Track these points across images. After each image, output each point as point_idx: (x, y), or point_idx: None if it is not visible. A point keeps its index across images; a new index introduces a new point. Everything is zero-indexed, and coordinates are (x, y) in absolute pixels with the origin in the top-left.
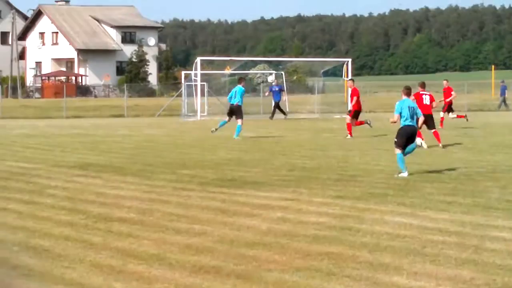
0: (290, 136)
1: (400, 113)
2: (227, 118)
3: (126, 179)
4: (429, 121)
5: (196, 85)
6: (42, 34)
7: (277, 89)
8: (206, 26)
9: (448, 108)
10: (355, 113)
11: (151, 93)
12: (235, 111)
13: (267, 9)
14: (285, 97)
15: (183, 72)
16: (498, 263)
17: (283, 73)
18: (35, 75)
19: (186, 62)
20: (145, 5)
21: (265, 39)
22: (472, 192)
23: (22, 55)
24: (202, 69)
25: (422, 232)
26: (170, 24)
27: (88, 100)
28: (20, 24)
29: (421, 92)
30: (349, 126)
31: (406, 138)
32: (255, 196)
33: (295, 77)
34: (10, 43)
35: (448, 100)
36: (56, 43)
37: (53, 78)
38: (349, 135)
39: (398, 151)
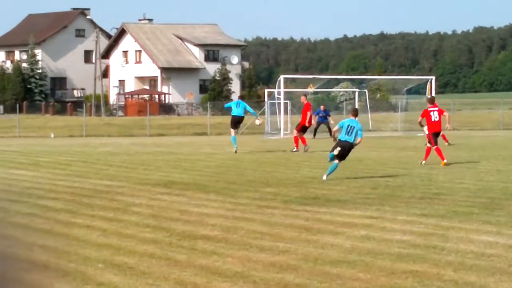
0: (373, 154)
1: (341, 127)
2: (233, 132)
3: (209, 197)
4: (434, 138)
5: (279, 103)
6: (125, 52)
7: (323, 114)
8: (289, 44)
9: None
10: (302, 128)
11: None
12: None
13: (350, 27)
14: (332, 122)
15: (266, 90)
16: None
17: (366, 91)
18: (119, 93)
19: (269, 80)
20: (228, 23)
21: (348, 57)
22: None
23: (105, 74)
24: (285, 87)
25: (509, 250)
26: (253, 42)
27: (171, 118)
28: (104, 43)
29: (429, 109)
30: (296, 140)
31: (341, 148)
32: (338, 214)
33: (378, 95)
34: (93, 61)
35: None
36: (140, 62)
37: (136, 96)
38: (295, 148)
39: (331, 152)
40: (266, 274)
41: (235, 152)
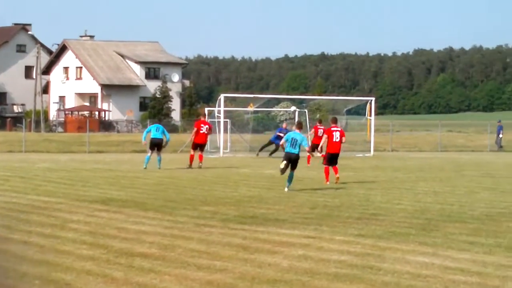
0: (312, 174)
1: (287, 140)
2: (149, 153)
3: (147, 215)
4: (334, 160)
5: (219, 122)
6: (66, 68)
7: (284, 132)
8: (230, 63)
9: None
10: (196, 145)
11: (174, 129)
12: (159, 145)
13: (291, 47)
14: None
15: (206, 109)
16: None
17: (306, 111)
18: (59, 110)
19: (210, 99)
20: (170, 42)
21: (289, 76)
22: (494, 233)
23: (46, 89)
24: (225, 106)
25: (444, 272)
26: (194, 61)
27: (110, 135)
28: (45, 59)
29: (332, 129)
30: (191, 157)
31: (287, 159)
32: (276, 233)
33: (318, 115)
34: (34, 77)
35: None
36: (80, 78)
37: (76, 112)
38: (189, 164)
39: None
40: None
41: (144, 168)
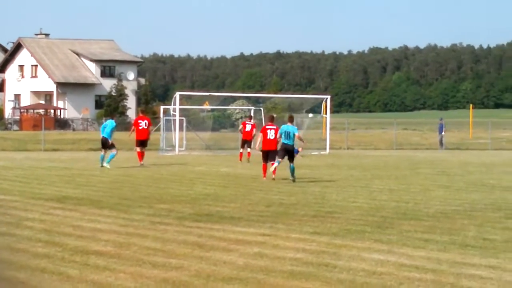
0: (268, 172)
1: (281, 134)
2: (103, 151)
3: (103, 213)
4: (270, 156)
5: (174, 120)
6: (21, 66)
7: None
8: (185, 61)
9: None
10: (137, 142)
11: (129, 127)
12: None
13: (247, 45)
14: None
15: (161, 107)
16: None
17: (261, 109)
18: (14, 108)
19: (165, 97)
20: (125, 40)
21: (244, 75)
22: (449, 230)
23: (1, 87)
24: (181, 104)
25: (399, 269)
26: (150, 59)
27: (66, 133)
28: (0, 57)
29: (267, 127)
30: (139, 155)
31: (283, 151)
32: (232, 231)
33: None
34: None
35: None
36: (35, 76)
37: (31, 110)
38: (139, 162)
39: (277, 160)
40: None
41: (101, 166)
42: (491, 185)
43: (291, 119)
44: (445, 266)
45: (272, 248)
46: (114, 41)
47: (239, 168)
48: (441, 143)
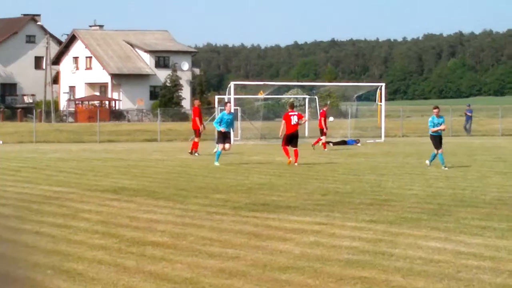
0: (324, 160)
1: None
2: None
3: (159, 203)
4: (293, 140)
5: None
6: (76, 58)
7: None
8: (239, 51)
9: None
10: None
11: (184, 117)
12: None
13: (301, 34)
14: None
15: (216, 97)
16: None
17: (316, 97)
18: (69, 100)
19: (220, 87)
20: (179, 30)
21: (299, 63)
22: (507, 217)
23: (56, 80)
24: (235, 93)
25: (456, 256)
26: (204, 49)
27: (121, 125)
28: (54, 49)
29: (290, 113)
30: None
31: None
32: (288, 221)
33: (328, 102)
34: (44, 67)
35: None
36: (90, 68)
37: (86, 102)
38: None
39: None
40: (215, 280)
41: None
42: None
43: (291, 106)
44: (503, 253)
45: (328, 237)
46: (168, 32)
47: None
48: (468, 130)
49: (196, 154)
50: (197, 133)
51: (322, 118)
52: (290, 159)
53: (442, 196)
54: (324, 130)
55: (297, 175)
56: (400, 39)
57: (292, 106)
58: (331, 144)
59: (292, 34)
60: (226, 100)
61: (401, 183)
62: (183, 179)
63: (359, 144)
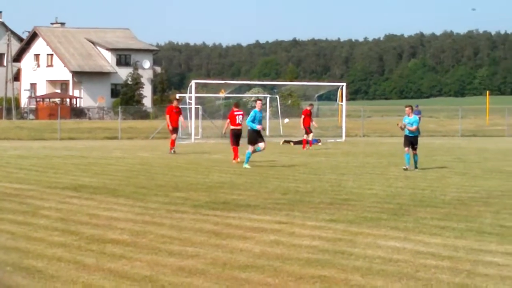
0: (284, 160)
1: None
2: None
3: (119, 201)
4: (237, 137)
5: (190, 108)
6: (37, 56)
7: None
8: (201, 49)
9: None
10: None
11: (145, 115)
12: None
13: (262, 33)
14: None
15: (177, 95)
16: None
17: (277, 97)
18: (30, 97)
19: (181, 85)
20: (141, 28)
21: (260, 62)
22: (465, 217)
23: (17, 77)
24: (196, 92)
25: (415, 256)
26: (165, 47)
27: (82, 122)
28: (15, 46)
29: (235, 113)
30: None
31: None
32: (248, 219)
33: (289, 101)
34: (5, 64)
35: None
36: (51, 65)
37: (47, 99)
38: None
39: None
40: (174, 278)
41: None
42: (508, 172)
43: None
44: (461, 253)
45: (288, 236)
46: (130, 30)
47: (255, 156)
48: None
49: (173, 150)
50: (172, 130)
51: (303, 117)
52: (238, 159)
53: (402, 196)
54: (307, 129)
55: (257, 174)
56: (361, 39)
57: (237, 105)
58: (291, 144)
59: (253, 33)
60: (256, 98)
61: (361, 182)
62: (143, 177)
63: (320, 144)
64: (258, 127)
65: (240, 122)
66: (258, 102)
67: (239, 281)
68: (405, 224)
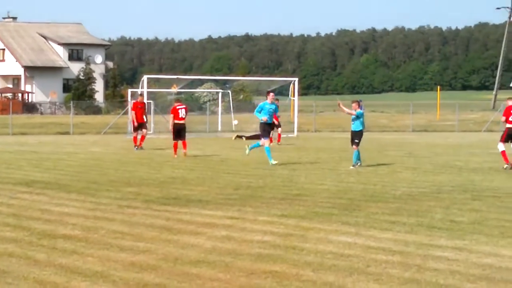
0: (236, 155)
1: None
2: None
3: (71, 197)
4: (181, 132)
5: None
6: None
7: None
8: (153, 44)
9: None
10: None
11: (97, 110)
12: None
13: (215, 28)
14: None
15: (129, 90)
16: (440, 282)
17: (229, 92)
18: None
19: (133, 80)
20: (93, 23)
21: (212, 57)
22: (416, 212)
23: None
24: (148, 87)
25: (366, 251)
26: (118, 42)
27: (34, 117)
28: None
29: (177, 107)
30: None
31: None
32: (199, 215)
33: (241, 96)
34: None
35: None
36: (3, 60)
37: None
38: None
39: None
40: (125, 273)
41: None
42: (458, 167)
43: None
44: (412, 248)
45: (240, 231)
46: (82, 25)
47: (207, 151)
48: None
49: (136, 148)
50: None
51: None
52: (176, 155)
53: (353, 191)
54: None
55: (209, 169)
56: (313, 34)
57: (179, 100)
58: (244, 139)
59: (206, 28)
60: (268, 90)
61: (313, 178)
62: (95, 172)
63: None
64: (263, 118)
65: (183, 116)
66: (271, 93)
67: (190, 276)
68: (356, 219)
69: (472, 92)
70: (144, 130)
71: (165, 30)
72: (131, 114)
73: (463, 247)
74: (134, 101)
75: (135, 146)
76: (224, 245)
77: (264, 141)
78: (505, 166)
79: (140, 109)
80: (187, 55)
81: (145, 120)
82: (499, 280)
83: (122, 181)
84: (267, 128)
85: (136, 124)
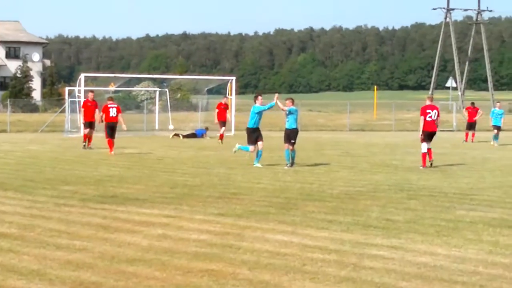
0: (173, 153)
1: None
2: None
3: (7, 194)
4: (113, 130)
5: (79, 102)
6: None
7: None
8: (91, 42)
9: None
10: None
11: (34, 109)
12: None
13: (152, 27)
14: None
15: (66, 89)
16: (376, 281)
17: (167, 90)
18: None
19: (71, 78)
20: (30, 21)
21: (150, 56)
22: (352, 211)
23: None
24: (86, 85)
25: (303, 250)
26: (55, 40)
27: None
28: None
29: (109, 105)
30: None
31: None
32: (136, 213)
33: (179, 95)
34: None
35: None
36: None
37: None
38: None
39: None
40: (62, 272)
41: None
42: (394, 166)
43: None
44: (348, 247)
45: (176, 230)
46: (19, 22)
47: (144, 149)
48: None
49: (84, 145)
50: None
51: (217, 110)
52: (111, 152)
53: (290, 190)
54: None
55: (146, 168)
56: (251, 33)
57: (111, 98)
58: (181, 137)
59: (143, 26)
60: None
61: (250, 176)
62: (32, 170)
63: (208, 138)
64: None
65: (114, 115)
66: (259, 97)
67: (127, 274)
68: (293, 218)
69: (409, 92)
70: (87, 129)
71: (103, 29)
72: (81, 112)
73: (399, 246)
74: (85, 99)
75: (83, 143)
76: (161, 244)
77: (251, 148)
78: (421, 166)
79: (90, 106)
80: (125, 54)
81: (94, 118)
82: (433, 278)
83: (59, 179)
84: (254, 133)
85: (83, 122)
